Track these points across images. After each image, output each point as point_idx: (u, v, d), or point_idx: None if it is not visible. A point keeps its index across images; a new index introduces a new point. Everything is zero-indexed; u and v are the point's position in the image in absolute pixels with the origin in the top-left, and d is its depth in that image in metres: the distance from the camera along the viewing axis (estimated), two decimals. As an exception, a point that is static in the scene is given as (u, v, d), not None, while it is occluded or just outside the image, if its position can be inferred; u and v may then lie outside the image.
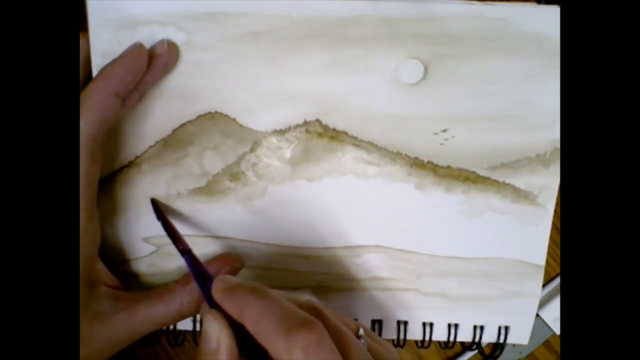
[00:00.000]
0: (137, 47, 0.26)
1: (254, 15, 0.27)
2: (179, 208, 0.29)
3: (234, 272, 0.29)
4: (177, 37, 0.27)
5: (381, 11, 0.27)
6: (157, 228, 0.29)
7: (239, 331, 0.21)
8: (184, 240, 0.27)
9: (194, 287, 0.27)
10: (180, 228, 0.29)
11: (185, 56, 0.28)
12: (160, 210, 0.29)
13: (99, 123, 0.25)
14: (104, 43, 0.27)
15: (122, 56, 0.26)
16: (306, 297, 0.23)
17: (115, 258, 0.30)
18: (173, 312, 0.27)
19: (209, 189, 0.29)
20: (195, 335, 0.31)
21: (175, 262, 0.30)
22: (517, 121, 0.29)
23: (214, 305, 0.22)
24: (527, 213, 0.30)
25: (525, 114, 0.29)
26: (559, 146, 0.29)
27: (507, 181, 0.29)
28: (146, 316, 0.26)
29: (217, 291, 0.22)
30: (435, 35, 0.28)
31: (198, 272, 0.25)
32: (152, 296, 0.27)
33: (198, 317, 0.31)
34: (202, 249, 0.30)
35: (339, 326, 0.21)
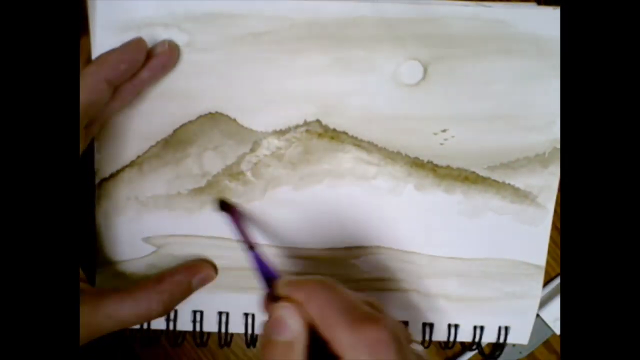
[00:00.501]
0: (136, 40, 0.27)
1: (255, 16, 0.27)
2: (178, 208, 0.29)
3: (209, 279, 0.29)
4: (180, 39, 0.27)
5: (381, 12, 0.27)
6: (157, 228, 0.29)
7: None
8: (250, 237, 0.27)
9: (165, 287, 0.27)
10: (180, 228, 0.30)
11: (187, 57, 0.28)
12: (229, 206, 0.29)
13: (85, 104, 0.25)
14: (108, 45, 0.27)
15: (121, 46, 0.26)
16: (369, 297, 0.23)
17: (115, 258, 0.30)
18: (141, 310, 0.26)
19: (209, 189, 0.29)
20: (195, 336, 0.31)
21: (175, 262, 0.30)
22: (516, 121, 0.29)
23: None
24: (527, 213, 0.30)
25: (524, 114, 0.29)
26: (558, 146, 0.29)
27: (507, 181, 0.29)
28: (111, 312, 0.26)
29: (284, 284, 0.22)
30: (435, 36, 0.28)
31: (263, 268, 0.25)
32: (122, 292, 0.27)
33: (198, 317, 0.31)
34: (201, 249, 0.30)
35: (397, 328, 0.21)
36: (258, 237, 0.30)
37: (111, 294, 0.26)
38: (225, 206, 0.29)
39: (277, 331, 0.21)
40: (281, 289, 0.22)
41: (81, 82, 0.25)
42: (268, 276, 0.25)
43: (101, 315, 0.26)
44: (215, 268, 0.30)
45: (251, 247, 0.27)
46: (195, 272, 0.29)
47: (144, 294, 0.27)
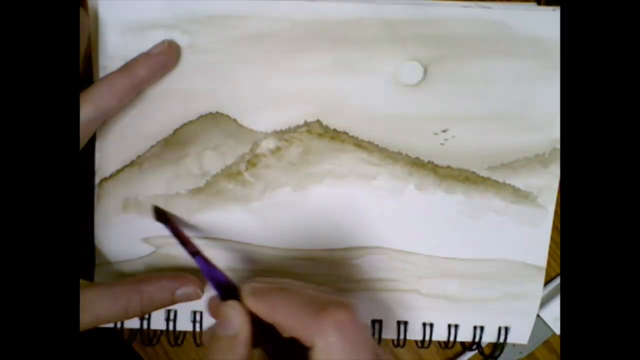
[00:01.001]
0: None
1: (256, 18, 0.28)
2: (178, 208, 0.29)
3: (195, 297, 0.28)
4: (182, 40, 0.28)
5: (381, 13, 0.28)
6: (157, 228, 0.29)
7: (258, 326, 0.22)
8: (192, 242, 0.27)
9: (147, 289, 0.26)
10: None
11: (189, 58, 0.28)
12: (165, 215, 0.29)
13: (113, 107, 0.26)
14: (112, 46, 0.28)
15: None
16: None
17: (115, 258, 0.30)
18: (118, 308, 0.26)
19: (208, 189, 0.29)
20: (195, 336, 0.31)
21: (174, 263, 0.30)
22: (516, 122, 0.29)
23: (227, 294, 0.23)
24: (527, 214, 0.30)
25: (524, 115, 0.29)
26: (557, 146, 0.29)
27: (507, 182, 0.30)
28: (87, 305, 0.25)
29: (247, 296, 0.22)
30: (435, 38, 0.28)
31: (210, 272, 0.25)
32: (102, 286, 0.26)
33: (197, 317, 0.31)
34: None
35: (358, 309, 0.21)
36: (195, 238, 0.29)
37: (90, 287, 0.26)
38: (161, 215, 0.28)
39: (221, 327, 0.22)
40: (246, 299, 0.22)
41: (108, 87, 0.26)
42: (215, 279, 0.25)
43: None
44: (204, 287, 0.28)
45: (193, 253, 0.26)
46: (183, 283, 0.27)
47: (124, 292, 0.26)
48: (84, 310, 0.25)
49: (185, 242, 0.27)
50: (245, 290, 0.22)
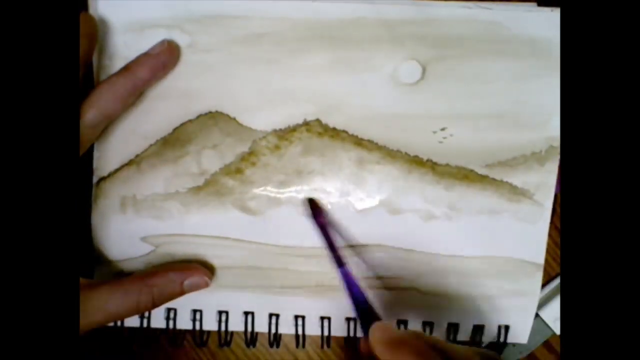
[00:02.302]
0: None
1: (256, 17, 0.28)
2: (177, 207, 0.30)
3: (203, 285, 0.28)
4: (182, 40, 0.28)
5: (380, 13, 0.28)
6: (156, 228, 0.29)
7: None
8: (340, 251, 0.26)
9: (156, 282, 0.27)
10: (177, 228, 0.30)
11: (189, 58, 0.28)
12: (320, 211, 0.28)
13: (117, 110, 0.27)
14: (112, 46, 0.28)
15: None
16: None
17: (113, 257, 0.30)
18: (130, 302, 0.26)
19: (207, 188, 0.29)
20: (194, 335, 0.31)
21: (173, 262, 0.30)
22: (513, 120, 0.29)
23: (366, 321, 0.22)
24: (525, 211, 0.30)
25: (521, 113, 0.29)
26: (554, 144, 0.29)
27: (505, 179, 0.30)
28: (101, 304, 0.25)
29: (377, 342, 0.22)
30: (433, 37, 0.28)
31: (352, 287, 0.25)
32: (113, 283, 0.26)
33: (198, 316, 0.31)
34: (199, 249, 0.30)
35: None
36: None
37: (101, 285, 0.26)
38: (316, 211, 0.28)
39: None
40: (375, 344, 0.22)
41: (110, 90, 0.26)
42: (355, 297, 0.24)
43: (90, 307, 0.25)
44: (211, 276, 0.29)
45: (340, 263, 0.25)
46: (190, 274, 0.28)
47: (135, 286, 0.26)
48: (96, 309, 0.25)
49: (333, 249, 0.26)
50: (376, 333, 0.22)
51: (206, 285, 0.28)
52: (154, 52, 0.27)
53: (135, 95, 0.28)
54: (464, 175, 0.30)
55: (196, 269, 0.28)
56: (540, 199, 0.30)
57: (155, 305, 0.27)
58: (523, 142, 0.29)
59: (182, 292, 0.28)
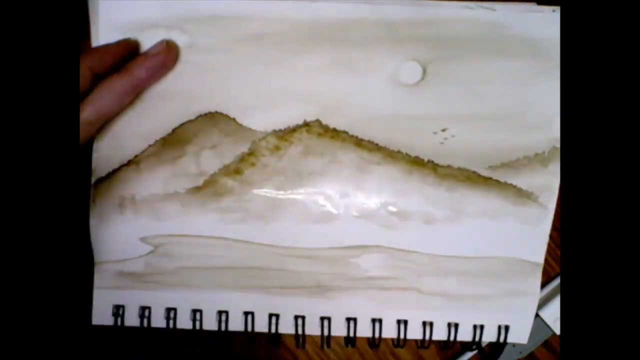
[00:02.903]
0: (126, 39, 0.27)
1: (256, 18, 0.28)
2: (176, 208, 0.29)
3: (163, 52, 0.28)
4: (181, 40, 0.28)
5: (381, 14, 0.28)
6: (155, 228, 0.29)
7: None
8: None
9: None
10: (177, 228, 0.30)
11: (189, 58, 0.28)
12: None
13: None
14: None
15: (111, 43, 0.27)
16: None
17: (112, 257, 0.30)
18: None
19: (206, 188, 0.29)
20: (194, 335, 0.31)
21: (172, 262, 0.30)
22: (515, 121, 0.29)
23: None
24: (529, 213, 0.30)
25: (523, 114, 0.29)
26: (557, 145, 0.29)
27: (509, 181, 0.30)
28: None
29: None
30: (434, 38, 0.28)
31: None
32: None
33: (197, 316, 0.31)
34: (199, 249, 0.30)
35: None
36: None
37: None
38: None
39: None
40: None
41: (108, 89, 0.26)
42: None
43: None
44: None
45: None
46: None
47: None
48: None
49: None
50: None
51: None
52: (153, 52, 0.27)
53: (134, 95, 0.27)
54: (466, 177, 0.29)
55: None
56: (544, 201, 0.30)
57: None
58: (526, 143, 0.29)
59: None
